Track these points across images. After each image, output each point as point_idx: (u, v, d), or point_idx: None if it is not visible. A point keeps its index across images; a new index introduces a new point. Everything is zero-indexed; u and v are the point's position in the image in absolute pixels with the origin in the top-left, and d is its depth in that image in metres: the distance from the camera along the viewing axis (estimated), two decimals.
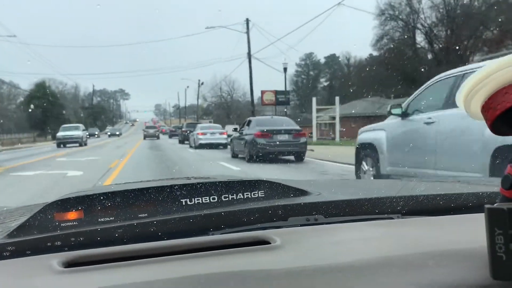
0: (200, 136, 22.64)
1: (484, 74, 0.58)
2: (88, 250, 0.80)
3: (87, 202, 0.99)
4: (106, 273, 0.70)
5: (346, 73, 73.65)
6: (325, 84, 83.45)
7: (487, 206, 0.58)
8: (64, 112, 57.35)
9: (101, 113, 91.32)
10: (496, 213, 0.57)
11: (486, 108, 0.59)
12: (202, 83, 58.43)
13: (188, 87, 70.38)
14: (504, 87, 0.57)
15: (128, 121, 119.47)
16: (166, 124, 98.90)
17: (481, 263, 0.64)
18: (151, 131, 46.42)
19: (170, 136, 49.06)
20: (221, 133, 23.06)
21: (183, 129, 32.38)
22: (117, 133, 59.75)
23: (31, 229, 0.91)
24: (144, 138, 43.23)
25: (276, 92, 32.35)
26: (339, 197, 1.16)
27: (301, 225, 0.99)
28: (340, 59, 79.12)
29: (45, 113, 50.82)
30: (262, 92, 33.24)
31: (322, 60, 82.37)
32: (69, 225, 0.94)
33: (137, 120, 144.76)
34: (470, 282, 0.63)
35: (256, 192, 1.11)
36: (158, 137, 44.89)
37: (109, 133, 59.23)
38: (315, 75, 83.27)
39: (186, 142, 28.98)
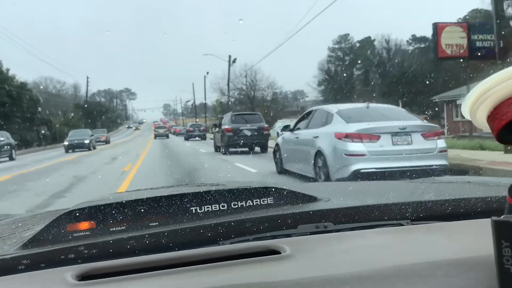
0: (367, 148, 6.15)
1: (489, 85, 0.57)
2: (101, 262, 0.82)
3: (98, 212, 1.00)
4: (118, 286, 0.72)
5: (385, 57, 60.74)
6: (359, 72, 67.96)
7: (493, 218, 0.58)
8: (39, 109, 40.09)
9: (101, 113, 73.99)
10: (502, 225, 0.57)
11: (491, 118, 0.59)
12: (234, 61, 41.11)
13: (208, 73, 53.43)
14: (510, 97, 0.57)
15: (131, 125, 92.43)
16: (177, 124, 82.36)
17: (489, 273, 0.64)
18: (161, 130, 47.67)
19: (187, 138, 36.55)
20: (430, 136, 6.37)
21: (226, 127, 16.16)
22: (86, 141, 27.71)
23: (44, 240, 0.92)
24: (155, 138, 43.84)
25: (469, 27, 13.97)
26: (348, 203, 1.16)
27: (311, 233, 0.99)
28: (375, 43, 63.41)
29: (3, 110, 32.88)
30: (439, 28, 14.38)
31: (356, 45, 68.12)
32: (81, 236, 0.95)
33: (145, 120, 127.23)
34: None
35: (266, 199, 1.11)
36: (167, 136, 45.77)
37: (66, 143, 27.57)
38: (351, 61, 67.50)
39: (233, 149, 16.24)
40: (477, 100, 0.59)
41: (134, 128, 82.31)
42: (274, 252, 0.83)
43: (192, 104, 71.25)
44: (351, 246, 0.87)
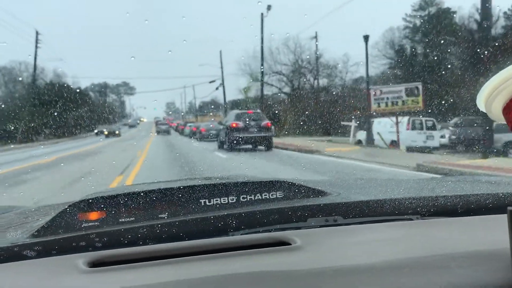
0: None
1: (505, 76, 0.56)
2: (112, 250, 0.82)
3: (109, 202, 1.02)
4: (129, 273, 0.73)
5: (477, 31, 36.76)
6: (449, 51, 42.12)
7: (510, 208, 0.57)
8: None
9: (77, 106, 40.37)
10: None
11: (507, 110, 0.58)
12: None
13: (266, 11, 26.63)
14: None
15: (104, 129, 40.95)
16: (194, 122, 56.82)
17: (503, 264, 0.64)
18: (163, 127, 46.81)
19: (229, 144, 15.35)
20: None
21: None
22: None
23: (55, 228, 0.93)
24: (157, 133, 41.73)
25: None
26: (358, 198, 1.16)
27: (321, 226, 0.99)
28: (453, 15, 42.73)
29: None
30: None
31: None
32: (92, 225, 0.96)
33: (144, 119, 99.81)
34: (492, 284, 0.63)
35: (275, 193, 1.11)
36: (169, 133, 43.88)
37: None
38: (436, 32, 43.44)
39: None
40: (493, 91, 0.57)
41: (106, 133, 33.51)
42: (284, 243, 0.83)
43: (217, 88, 42.96)
44: (361, 239, 0.87)
